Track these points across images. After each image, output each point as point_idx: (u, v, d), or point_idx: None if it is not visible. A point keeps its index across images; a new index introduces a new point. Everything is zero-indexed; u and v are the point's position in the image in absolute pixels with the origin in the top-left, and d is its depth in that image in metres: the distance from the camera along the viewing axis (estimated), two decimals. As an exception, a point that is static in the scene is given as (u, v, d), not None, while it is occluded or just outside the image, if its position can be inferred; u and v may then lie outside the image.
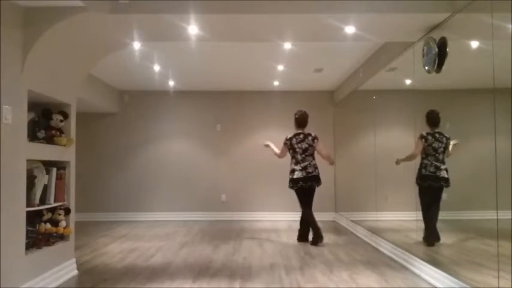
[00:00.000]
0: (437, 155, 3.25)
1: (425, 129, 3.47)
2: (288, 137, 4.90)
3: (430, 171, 3.28)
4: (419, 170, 3.39)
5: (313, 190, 4.91)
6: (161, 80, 6.32)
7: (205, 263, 3.81)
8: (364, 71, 5.24)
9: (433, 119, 3.36)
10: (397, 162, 3.71)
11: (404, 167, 3.84)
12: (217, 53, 4.89)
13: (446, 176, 3.18)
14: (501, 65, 2.39)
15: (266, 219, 6.82)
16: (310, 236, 4.89)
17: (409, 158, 3.47)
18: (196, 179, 7.02)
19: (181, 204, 6.98)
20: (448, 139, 3.21)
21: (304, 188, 4.83)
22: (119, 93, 7.06)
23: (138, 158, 7.05)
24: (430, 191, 3.33)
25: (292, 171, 4.85)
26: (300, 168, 4.79)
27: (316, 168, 4.84)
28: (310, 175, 4.78)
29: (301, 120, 4.91)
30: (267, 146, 5.12)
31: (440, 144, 3.24)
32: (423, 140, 3.33)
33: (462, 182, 3.08)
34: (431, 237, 3.43)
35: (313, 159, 4.85)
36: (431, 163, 3.26)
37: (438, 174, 3.25)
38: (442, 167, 3.22)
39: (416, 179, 3.46)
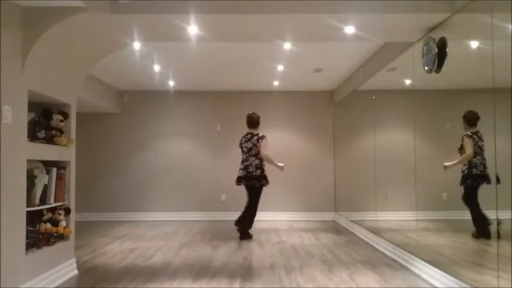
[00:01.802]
0: (482, 153, 3.25)
1: (425, 130, 3.47)
2: (241, 137, 5.22)
3: (480, 170, 3.27)
4: (469, 169, 3.33)
5: (257, 189, 5.07)
6: (161, 80, 6.32)
7: (205, 263, 3.81)
8: (364, 71, 5.24)
9: (472, 119, 3.32)
10: (446, 167, 3.63)
11: (405, 167, 3.84)
12: (217, 53, 4.89)
13: (488, 173, 3.17)
14: (501, 65, 2.39)
15: (266, 219, 6.82)
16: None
17: (464, 159, 3.40)
18: (196, 179, 7.02)
19: (181, 204, 6.98)
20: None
21: (248, 186, 5.08)
22: (119, 93, 7.06)
23: (138, 158, 7.05)
24: (477, 189, 3.29)
25: (239, 169, 5.14)
26: (242, 167, 5.09)
27: (258, 168, 5.02)
28: (250, 174, 5.02)
29: (250, 121, 5.20)
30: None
31: (483, 143, 3.24)
32: (471, 139, 3.31)
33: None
34: (484, 230, 3.39)
35: (257, 159, 5.04)
36: (481, 162, 3.25)
37: (486, 172, 3.23)
38: (487, 165, 3.22)
39: (465, 179, 3.37)
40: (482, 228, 3.47)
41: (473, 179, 3.32)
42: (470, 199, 3.40)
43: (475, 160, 3.28)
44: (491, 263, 2.49)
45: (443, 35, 3.10)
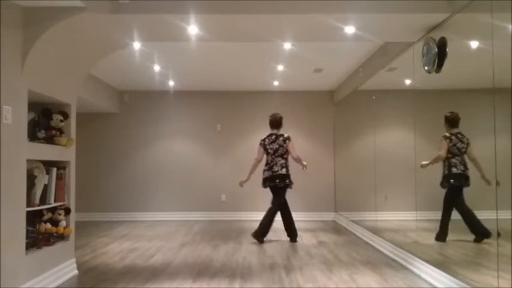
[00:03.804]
0: (462, 155, 3.24)
1: (425, 130, 3.47)
2: (262, 138, 5.04)
3: (461, 170, 3.26)
4: (449, 169, 3.32)
5: (281, 189, 4.93)
6: (161, 80, 6.32)
7: (205, 263, 3.81)
8: (364, 71, 5.24)
9: (453, 120, 3.32)
10: (422, 166, 3.61)
11: (405, 167, 3.84)
12: (218, 53, 4.89)
13: (469, 175, 3.16)
14: (501, 65, 2.39)
15: (266, 219, 6.81)
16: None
17: (436, 160, 3.40)
18: (197, 178, 7.02)
19: (181, 204, 6.98)
20: (468, 139, 3.18)
21: (272, 187, 4.94)
22: (119, 93, 7.05)
23: (138, 158, 7.05)
24: (459, 190, 3.26)
25: (263, 171, 4.99)
26: (267, 168, 4.94)
27: (283, 167, 4.88)
28: (275, 174, 4.87)
29: (273, 122, 5.04)
30: (243, 183, 5.14)
31: (463, 145, 3.24)
32: (448, 140, 3.31)
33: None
34: (443, 235, 3.40)
35: (283, 159, 4.91)
36: (460, 162, 3.24)
37: (466, 173, 3.21)
38: (467, 166, 3.21)
39: (446, 178, 3.34)
40: (441, 232, 3.44)
41: (455, 178, 3.30)
42: (449, 198, 3.36)
43: (453, 160, 3.27)
44: (492, 263, 2.49)
45: (443, 35, 3.10)
